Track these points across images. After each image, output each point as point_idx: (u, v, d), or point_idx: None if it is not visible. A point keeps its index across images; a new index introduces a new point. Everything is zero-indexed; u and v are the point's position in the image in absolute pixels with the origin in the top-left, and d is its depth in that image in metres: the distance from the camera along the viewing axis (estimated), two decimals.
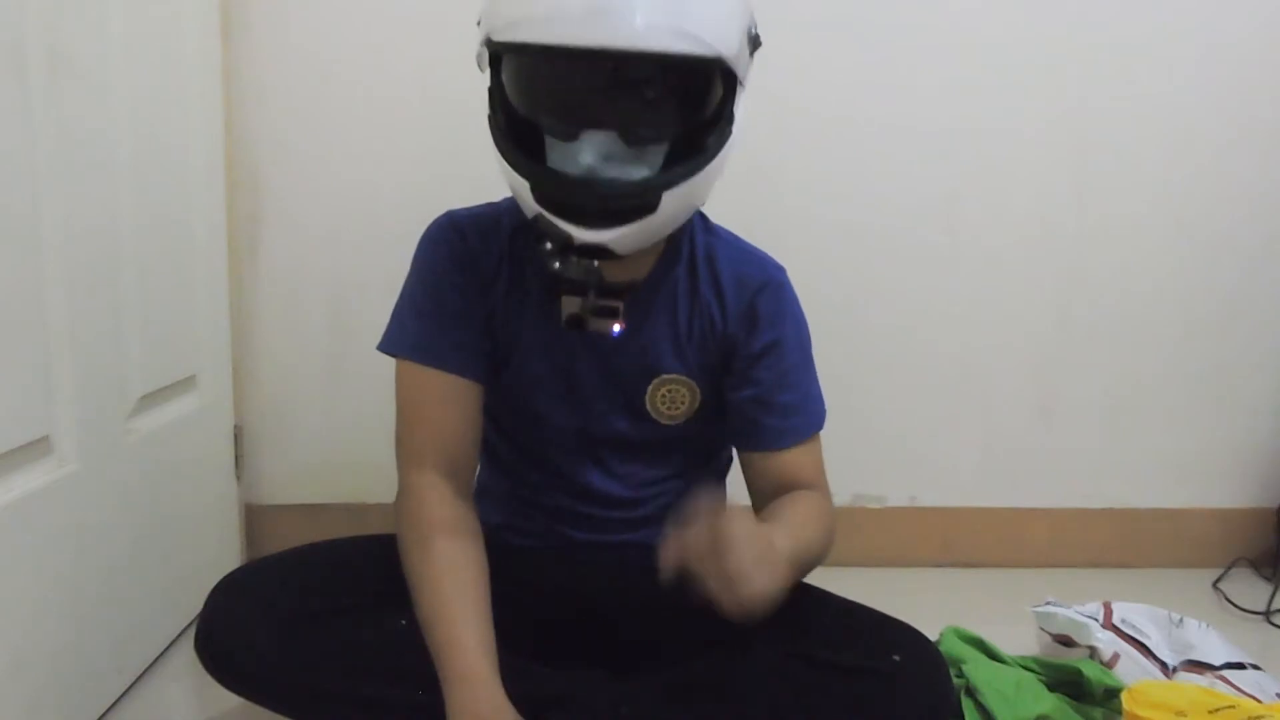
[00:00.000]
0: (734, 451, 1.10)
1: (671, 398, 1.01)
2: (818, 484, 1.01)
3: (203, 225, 1.34)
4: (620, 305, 0.90)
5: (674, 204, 0.86)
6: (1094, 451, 1.66)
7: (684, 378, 1.01)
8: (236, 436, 1.50)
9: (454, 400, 0.97)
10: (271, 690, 0.92)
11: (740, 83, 0.88)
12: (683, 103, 0.87)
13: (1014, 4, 1.52)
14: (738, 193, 1.26)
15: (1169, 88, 1.56)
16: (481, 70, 0.91)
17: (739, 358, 1.01)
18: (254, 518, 1.55)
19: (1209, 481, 1.68)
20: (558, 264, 0.84)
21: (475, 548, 0.94)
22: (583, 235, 0.83)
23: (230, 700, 0.92)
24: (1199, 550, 1.66)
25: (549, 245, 0.84)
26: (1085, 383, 1.64)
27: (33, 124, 0.92)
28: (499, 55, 0.87)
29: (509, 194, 1.09)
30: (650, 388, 1.01)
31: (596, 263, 0.85)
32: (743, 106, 0.89)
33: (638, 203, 0.84)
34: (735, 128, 0.88)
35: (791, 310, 1.03)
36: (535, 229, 0.86)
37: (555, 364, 1.01)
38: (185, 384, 1.31)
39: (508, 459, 1.08)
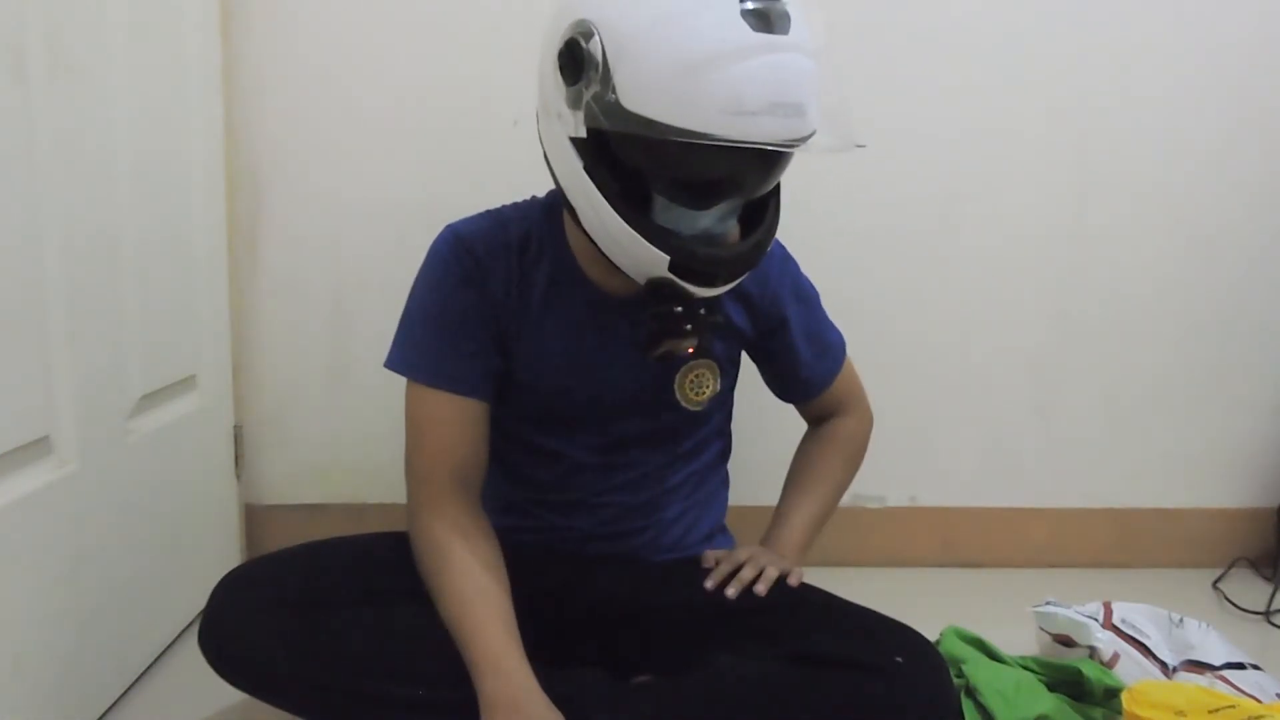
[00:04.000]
0: (732, 439, 1.18)
1: (699, 382, 1.05)
2: (849, 404, 1.20)
3: (203, 225, 1.34)
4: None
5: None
6: (1093, 451, 1.66)
7: (708, 360, 1.05)
8: (236, 437, 1.50)
9: (462, 421, 0.99)
10: (274, 685, 0.92)
11: None
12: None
13: (1014, 5, 1.52)
14: None
15: (1169, 88, 1.56)
16: (574, 127, 0.83)
17: (764, 333, 1.10)
18: (254, 518, 1.55)
19: (1209, 481, 1.68)
20: (668, 317, 0.90)
21: (490, 549, 0.96)
22: (704, 293, 0.88)
23: (231, 700, 0.92)
24: (1199, 550, 1.66)
25: (663, 296, 0.89)
26: (1085, 382, 1.64)
27: (33, 124, 0.92)
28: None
29: (503, 202, 1.08)
30: (679, 375, 1.04)
31: (703, 310, 0.90)
32: None
33: (754, 262, 0.91)
34: None
35: (798, 281, 1.12)
36: (651, 286, 0.88)
37: (581, 371, 1.02)
38: (185, 384, 1.31)
39: (516, 464, 1.08)
